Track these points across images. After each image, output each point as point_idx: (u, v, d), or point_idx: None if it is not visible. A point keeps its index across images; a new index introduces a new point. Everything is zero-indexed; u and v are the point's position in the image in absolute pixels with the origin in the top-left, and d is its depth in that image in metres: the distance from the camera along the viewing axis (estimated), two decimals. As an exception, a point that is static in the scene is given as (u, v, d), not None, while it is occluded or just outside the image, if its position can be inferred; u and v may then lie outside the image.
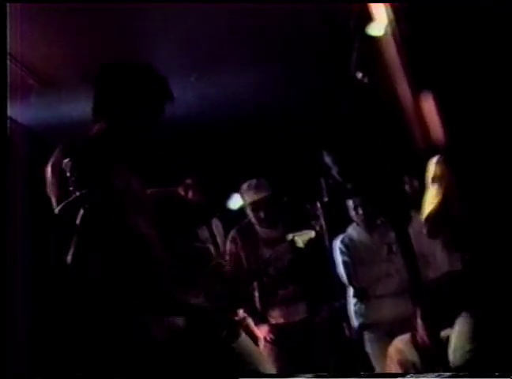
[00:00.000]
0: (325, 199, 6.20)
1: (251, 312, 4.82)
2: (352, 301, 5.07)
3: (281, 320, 4.83)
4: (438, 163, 3.25)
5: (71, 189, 2.40)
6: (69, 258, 2.38)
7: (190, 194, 4.68)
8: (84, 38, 4.34)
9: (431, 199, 3.24)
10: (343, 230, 5.24)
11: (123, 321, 2.37)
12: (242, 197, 5.07)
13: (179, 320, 2.44)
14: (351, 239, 5.12)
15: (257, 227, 4.97)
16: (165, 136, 2.79)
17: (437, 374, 2.77)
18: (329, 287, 5.17)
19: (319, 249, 5.21)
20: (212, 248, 2.79)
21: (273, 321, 4.83)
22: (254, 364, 2.62)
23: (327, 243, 5.44)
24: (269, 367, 2.77)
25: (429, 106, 3.62)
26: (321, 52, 4.95)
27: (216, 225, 5.02)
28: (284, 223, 5.04)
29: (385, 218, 5.10)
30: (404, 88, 4.16)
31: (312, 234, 5.12)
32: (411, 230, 4.81)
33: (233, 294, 3.92)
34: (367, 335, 4.98)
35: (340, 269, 5.08)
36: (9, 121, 3.27)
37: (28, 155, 4.62)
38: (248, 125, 6.01)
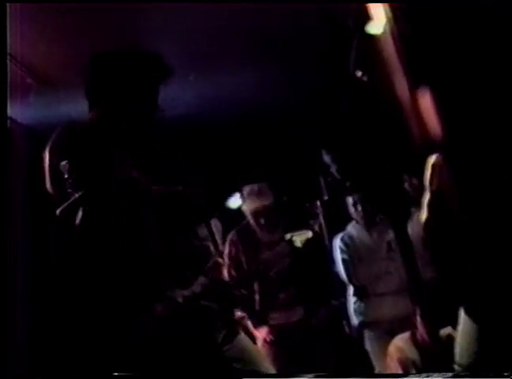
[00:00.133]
0: (325, 197, 6.21)
1: (250, 314, 4.80)
2: (351, 299, 5.08)
3: (280, 321, 4.81)
4: (435, 162, 3.26)
5: (69, 190, 2.40)
6: (70, 258, 2.39)
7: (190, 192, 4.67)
8: (84, 38, 4.34)
9: (428, 204, 3.26)
10: (342, 228, 5.25)
11: (123, 321, 2.37)
12: (244, 202, 5.03)
13: (178, 319, 2.44)
14: (350, 237, 5.13)
15: (257, 231, 4.96)
16: (164, 135, 2.78)
17: (440, 374, 2.76)
18: (329, 285, 5.18)
19: (318, 249, 5.22)
20: (211, 246, 2.78)
21: (272, 322, 4.81)
22: (253, 362, 2.62)
23: (327, 242, 5.46)
24: (268, 366, 2.77)
25: (428, 103, 3.62)
26: (320, 51, 4.95)
27: (216, 224, 4.99)
28: (283, 225, 5.03)
29: (385, 216, 5.11)
30: (403, 86, 4.16)
31: (310, 234, 5.13)
32: (410, 228, 4.81)
33: (231, 294, 3.93)
34: (367, 334, 4.98)
35: (340, 267, 5.09)
36: (8, 120, 3.26)
37: (28, 155, 4.62)
38: (247, 124, 6.01)
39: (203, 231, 2.70)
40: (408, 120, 3.99)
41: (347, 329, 5.36)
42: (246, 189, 4.99)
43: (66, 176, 2.39)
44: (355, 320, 5.06)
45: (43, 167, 2.51)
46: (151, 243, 2.43)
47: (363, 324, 5.00)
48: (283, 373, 3.96)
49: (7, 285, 2.84)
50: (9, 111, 3.11)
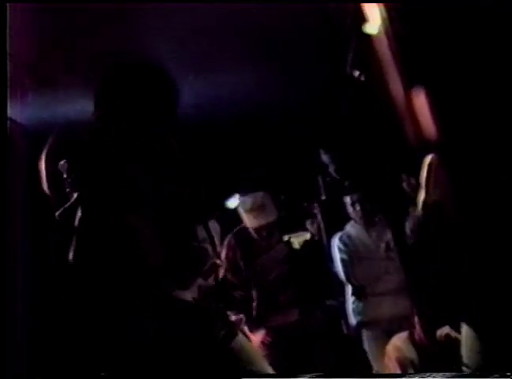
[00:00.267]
0: (323, 197, 6.22)
1: (247, 318, 4.76)
2: (350, 299, 5.09)
3: (278, 323, 4.78)
4: (431, 161, 3.27)
5: (68, 190, 2.40)
6: (69, 259, 2.39)
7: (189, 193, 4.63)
8: (83, 39, 4.34)
9: (423, 203, 3.27)
10: (341, 227, 5.25)
11: (123, 321, 2.38)
12: (244, 217, 4.84)
13: (177, 319, 2.45)
14: (349, 237, 5.13)
15: (256, 238, 4.88)
16: (164, 135, 2.78)
17: (440, 374, 2.78)
18: (327, 286, 5.18)
19: (316, 249, 5.22)
20: (209, 248, 2.78)
21: (269, 325, 4.77)
22: (252, 363, 2.63)
23: (325, 241, 5.46)
24: (267, 367, 2.78)
25: (423, 103, 3.64)
26: (319, 52, 4.95)
27: (214, 226, 4.94)
28: (281, 226, 5.00)
29: (383, 215, 5.11)
30: (399, 86, 4.17)
31: (308, 235, 5.12)
32: (408, 228, 4.82)
33: (229, 295, 3.94)
34: (365, 333, 4.99)
35: (339, 267, 5.09)
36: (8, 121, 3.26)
37: (27, 155, 4.62)
38: (245, 124, 6.01)
39: (202, 233, 2.70)
40: (406, 119, 4.00)
41: (345, 329, 5.37)
42: (249, 202, 4.85)
43: (65, 175, 2.40)
44: (353, 320, 5.06)
45: (40, 167, 2.52)
46: (150, 244, 2.44)
47: (361, 324, 5.01)
48: (282, 373, 3.96)
49: (7, 285, 2.85)
50: (9, 111, 3.11)
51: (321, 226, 5.62)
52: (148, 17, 4.28)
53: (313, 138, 6.23)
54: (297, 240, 4.94)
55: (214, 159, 5.71)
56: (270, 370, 2.72)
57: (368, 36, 4.46)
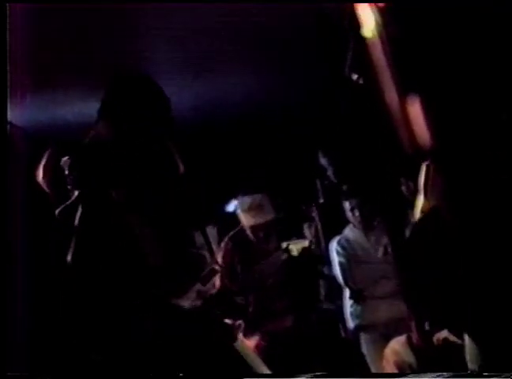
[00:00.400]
0: (321, 200, 6.23)
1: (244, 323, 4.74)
2: (348, 302, 5.09)
3: (273, 328, 4.75)
4: (429, 165, 3.28)
5: (69, 187, 2.41)
6: (69, 258, 2.40)
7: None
8: (83, 40, 4.34)
9: (421, 207, 3.28)
10: (339, 231, 5.25)
11: (123, 322, 2.38)
12: (242, 214, 4.86)
13: (177, 324, 2.45)
14: (347, 240, 5.13)
15: (253, 241, 4.88)
16: (163, 137, 2.79)
17: (437, 374, 2.79)
18: (324, 288, 5.18)
19: (314, 254, 5.22)
20: (207, 255, 2.79)
21: (264, 330, 4.72)
22: (252, 367, 2.65)
23: (323, 245, 5.47)
24: (266, 370, 2.80)
25: (418, 108, 3.65)
26: (318, 52, 4.95)
27: (211, 231, 4.91)
28: (279, 231, 4.99)
29: (381, 220, 5.11)
30: (396, 90, 4.18)
31: (306, 242, 5.13)
32: (407, 232, 4.82)
33: (228, 300, 3.93)
34: (363, 337, 4.99)
35: (337, 270, 5.09)
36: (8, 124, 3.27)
37: (27, 158, 4.62)
38: (244, 126, 6.01)
39: (199, 239, 2.71)
40: (406, 122, 4.01)
41: (343, 333, 5.37)
42: (247, 202, 4.86)
43: (67, 172, 2.41)
44: (351, 324, 5.07)
45: (40, 165, 2.53)
46: (149, 244, 2.45)
47: (359, 328, 5.01)
48: (281, 373, 3.97)
49: (7, 285, 2.85)
50: (9, 114, 3.12)
51: (319, 229, 5.63)
52: (148, 19, 4.28)
53: (311, 141, 6.23)
54: (295, 247, 4.95)
55: (212, 161, 5.71)
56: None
57: (365, 39, 4.47)
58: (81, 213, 2.38)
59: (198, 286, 2.60)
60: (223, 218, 5.59)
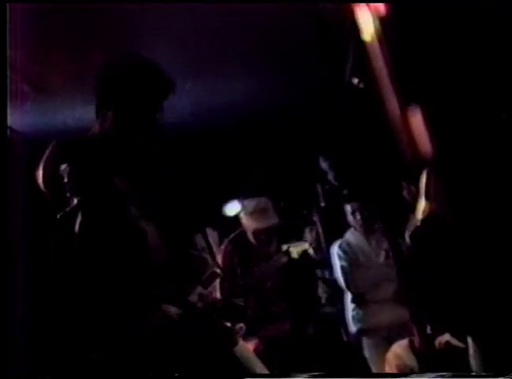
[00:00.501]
0: (322, 204, 6.22)
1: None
2: (349, 306, 5.08)
3: (272, 332, 4.71)
4: (429, 169, 3.28)
5: (68, 194, 2.40)
6: (69, 260, 2.40)
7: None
8: (82, 43, 4.34)
9: (423, 211, 3.28)
10: (340, 235, 5.25)
11: (123, 322, 2.38)
12: (245, 219, 4.81)
13: (178, 326, 2.45)
14: (348, 244, 5.12)
15: (254, 244, 4.84)
16: (162, 142, 2.78)
17: (437, 374, 2.78)
18: (326, 293, 5.17)
19: (315, 258, 5.21)
20: (208, 257, 2.78)
21: (263, 333, 4.68)
22: (253, 371, 2.64)
23: (324, 249, 5.46)
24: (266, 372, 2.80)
25: (420, 118, 3.66)
26: (319, 55, 4.95)
27: (211, 234, 4.90)
28: (280, 235, 4.96)
29: (382, 224, 5.10)
30: (396, 93, 4.18)
31: (306, 245, 5.11)
32: (407, 236, 4.81)
33: (229, 303, 3.92)
34: (365, 341, 4.98)
35: (338, 274, 5.09)
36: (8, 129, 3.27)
37: (27, 163, 4.61)
38: (244, 130, 6.01)
39: (200, 241, 2.71)
40: (407, 127, 4.00)
41: (345, 336, 5.36)
42: (251, 205, 4.81)
43: (66, 180, 2.40)
44: (353, 328, 5.05)
45: (39, 170, 2.52)
46: (150, 248, 2.44)
47: (361, 332, 5.00)
48: (280, 373, 3.96)
49: (7, 285, 2.85)
50: (9, 119, 3.11)
51: (321, 233, 5.62)
52: (148, 24, 4.28)
53: (312, 144, 6.23)
54: (296, 250, 4.94)
55: (213, 164, 5.70)
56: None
57: (365, 43, 4.47)
58: (81, 220, 2.37)
59: (200, 289, 2.59)
60: (223, 221, 5.57)
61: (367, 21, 4.28)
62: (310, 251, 5.35)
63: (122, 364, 2.38)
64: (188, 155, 2.79)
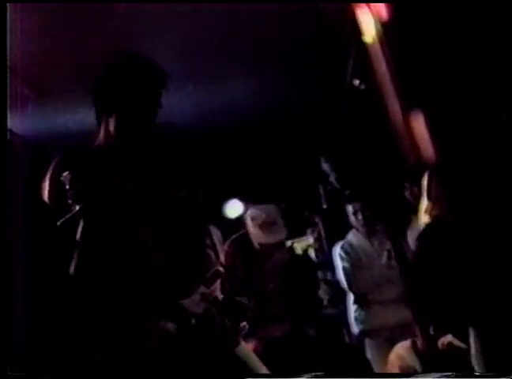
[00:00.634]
0: (324, 206, 6.22)
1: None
2: (352, 307, 5.07)
3: (272, 333, 4.66)
4: (429, 176, 3.28)
5: (70, 201, 2.40)
6: (71, 269, 2.39)
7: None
8: (82, 45, 4.34)
9: (425, 212, 3.28)
10: (342, 236, 5.24)
11: (123, 323, 2.38)
12: (252, 230, 4.66)
13: (179, 327, 2.45)
14: (350, 245, 5.12)
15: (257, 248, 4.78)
16: (163, 143, 2.78)
17: (440, 375, 2.78)
18: (328, 294, 5.16)
19: (316, 258, 5.20)
20: (212, 254, 2.78)
21: (263, 334, 4.63)
22: (255, 370, 2.64)
23: (326, 250, 5.45)
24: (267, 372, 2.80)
25: (421, 122, 3.66)
26: (319, 57, 4.95)
27: (215, 232, 4.88)
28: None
29: (384, 225, 5.10)
30: (397, 94, 4.18)
31: (310, 240, 5.10)
32: (410, 236, 4.81)
33: (232, 303, 3.92)
34: (367, 342, 4.98)
35: (341, 275, 5.08)
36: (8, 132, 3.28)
37: (28, 166, 4.62)
38: (246, 132, 6.01)
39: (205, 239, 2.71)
40: (410, 128, 4.00)
41: (347, 338, 5.35)
42: (260, 216, 4.64)
43: (68, 187, 2.41)
44: (355, 329, 5.05)
45: (45, 179, 2.52)
46: (152, 254, 2.44)
47: (363, 333, 4.99)
48: (282, 375, 3.96)
49: (7, 286, 2.85)
50: (9, 123, 3.12)
51: (322, 234, 5.62)
52: (148, 26, 4.29)
53: (314, 145, 6.23)
54: (300, 245, 4.93)
55: (214, 166, 5.69)
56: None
57: (366, 45, 4.47)
58: (83, 227, 2.37)
59: (202, 288, 2.58)
60: (227, 220, 5.56)
61: (368, 23, 4.28)
62: (315, 246, 5.33)
63: (122, 364, 2.38)
64: (189, 155, 2.79)
